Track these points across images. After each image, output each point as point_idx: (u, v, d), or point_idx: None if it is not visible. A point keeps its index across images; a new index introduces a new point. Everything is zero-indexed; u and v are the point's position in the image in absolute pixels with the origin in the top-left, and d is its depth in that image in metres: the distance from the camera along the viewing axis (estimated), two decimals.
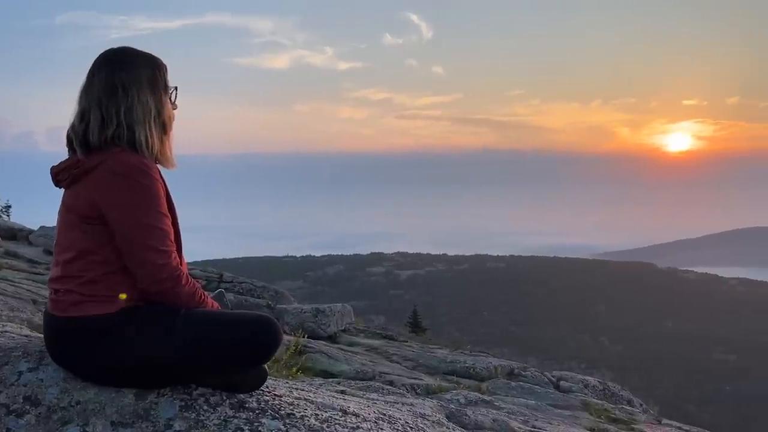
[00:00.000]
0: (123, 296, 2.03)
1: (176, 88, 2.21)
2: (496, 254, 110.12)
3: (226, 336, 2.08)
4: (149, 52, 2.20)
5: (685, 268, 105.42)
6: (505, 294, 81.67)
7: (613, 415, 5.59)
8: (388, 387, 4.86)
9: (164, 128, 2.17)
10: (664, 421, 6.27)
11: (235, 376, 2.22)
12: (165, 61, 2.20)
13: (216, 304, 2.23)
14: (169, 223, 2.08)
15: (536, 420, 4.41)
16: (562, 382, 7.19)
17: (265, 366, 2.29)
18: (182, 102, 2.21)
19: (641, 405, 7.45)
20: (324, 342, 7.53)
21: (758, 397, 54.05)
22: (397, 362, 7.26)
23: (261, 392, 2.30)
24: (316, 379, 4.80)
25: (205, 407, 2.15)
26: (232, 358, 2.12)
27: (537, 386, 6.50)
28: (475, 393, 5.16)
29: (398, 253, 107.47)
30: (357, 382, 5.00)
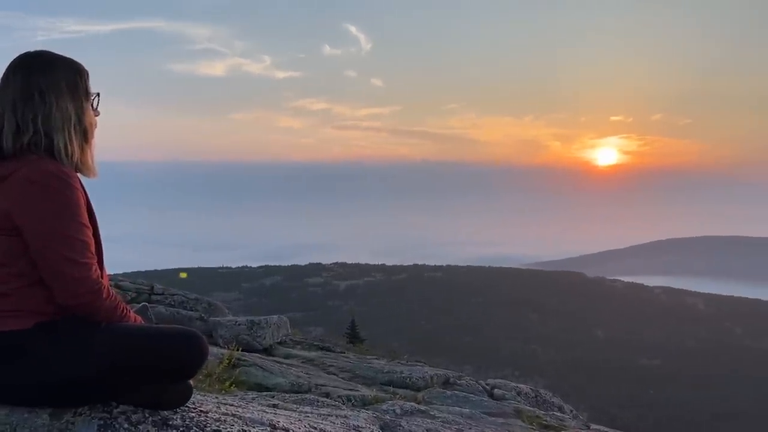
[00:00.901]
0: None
1: (98, 95, 2.13)
2: (433, 264, 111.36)
3: (147, 351, 2.00)
4: (71, 57, 2.11)
5: (612, 278, 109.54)
6: (441, 303, 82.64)
7: (544, 422, 5.73)
8: (324, 399, 4.81)
9: (85, 135, 2.08)
10: (593, 426, 6.48)
11: (159, 393, 2.14)
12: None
13: (139, 319, 2.15)
14: (90, 234, 2.00)
15: (470, 428, 4.46)
16: (496, 390, 7.32)
17: (190, 381, 2.22)
18: (113, 108, 2.13)
19: (571, 411, 7.68)
20: (259, 355, 7.39)
21: (681, 400, 56.73)
22: (334, 374, 7.20)
23: (186, 409, 2.23)
24: (249, 393, 4.70)
25: (126, 426, 2.06)
26: (154, 375, 2.05)
27: (472, 395, 6.59)
28: (411, 403, 5.17)
29: (337, 263, 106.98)
30: (292, 395, 4.93)
